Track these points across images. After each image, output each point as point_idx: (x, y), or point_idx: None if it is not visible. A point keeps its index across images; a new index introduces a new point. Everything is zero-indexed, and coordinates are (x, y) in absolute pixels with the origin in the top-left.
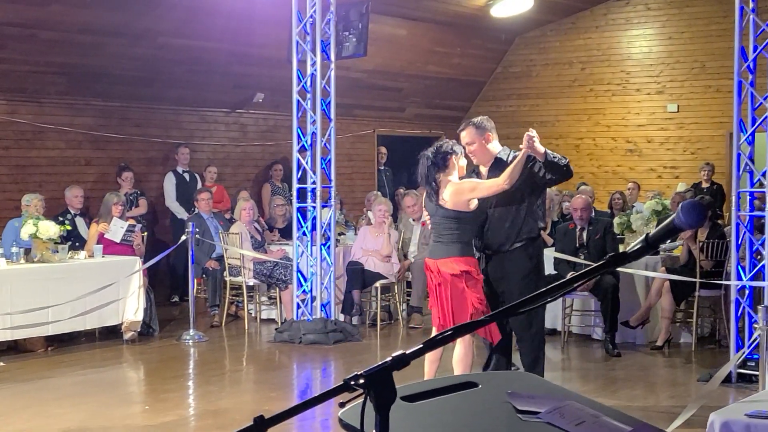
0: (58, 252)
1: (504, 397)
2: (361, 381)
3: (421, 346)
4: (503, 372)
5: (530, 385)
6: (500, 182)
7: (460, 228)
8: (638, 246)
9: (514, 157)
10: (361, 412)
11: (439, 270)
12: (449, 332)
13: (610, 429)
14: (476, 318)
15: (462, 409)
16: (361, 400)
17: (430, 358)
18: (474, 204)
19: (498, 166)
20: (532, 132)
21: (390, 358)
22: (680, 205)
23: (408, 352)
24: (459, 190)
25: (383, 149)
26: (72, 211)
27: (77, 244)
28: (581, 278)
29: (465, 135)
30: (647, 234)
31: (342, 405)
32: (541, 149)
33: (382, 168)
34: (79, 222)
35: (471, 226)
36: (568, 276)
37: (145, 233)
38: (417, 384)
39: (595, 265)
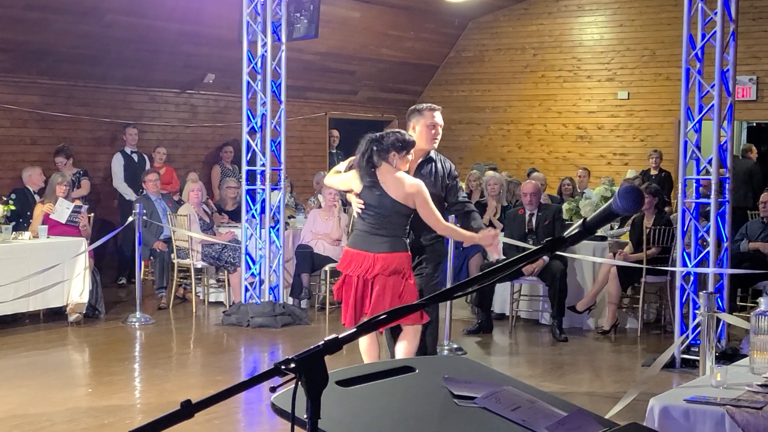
0: (1, 232)
1: (441, 382)
2: (292, 365)
3: (354, 330)
4: (441, 357)
5: (467, 371)
6: (440, 226)
7: (407, 222)
8: (575, 231)
9: (443, 168)
10: (292, 397)
11: (379, 265)
12: (383, 316)
13: (545, 414)
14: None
15: (397, 394)
16: (293, 384)
17: (368, 350)
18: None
19: (427, 164)
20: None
21: (322, 342)
22: (617, 190)
23: (341, 336)
24: (408, 190)
25: (335, 132)
26: (32, 189)
27: (25, 225)
28: (519, 262)
29: (438, 117)
30: (584, 219)
31: (273, 390)
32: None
33: (335, 151)
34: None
35: (409, 220)
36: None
37: (92, 214)
38: (353, 368)
39: (534, 248)
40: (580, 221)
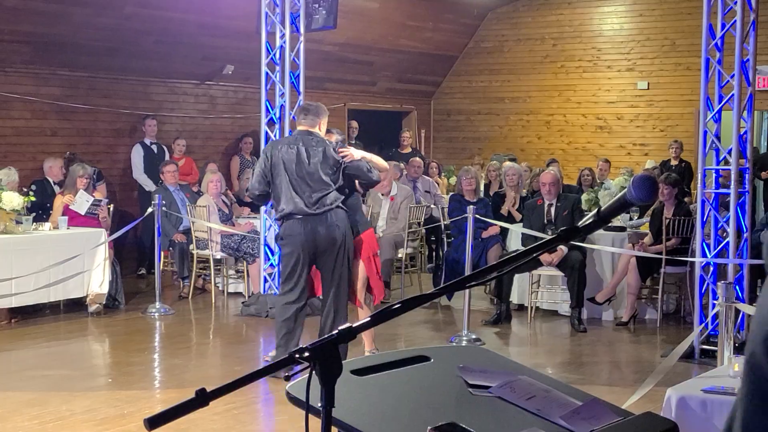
0: (22, 223)
1: (456, 371)
2: (306, 354)
3: (368, 319)
4: (456, 346)
5: (482, 360)
6: None
7: None
8: (590, 221)
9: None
10: (306, 386)
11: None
12: (398, 305)
13: (560, 403)
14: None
15: (412, 383)
16: (307, 373)
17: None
18: None
19: None
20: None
21: (336, 332)
22: (631, 180)
23: (354, 325)
24: None
25: (354, 123)
26: (52, 180)
27: (45, 216)
28: (534, 251)
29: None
30: (599, 208)
31: (287, 378)
32: None
33: (354, 142)
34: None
35: None
36: (523, 250)
37: (111, 205)
38: (368, 357)
39: (548, 238)
40: (595, 211)
